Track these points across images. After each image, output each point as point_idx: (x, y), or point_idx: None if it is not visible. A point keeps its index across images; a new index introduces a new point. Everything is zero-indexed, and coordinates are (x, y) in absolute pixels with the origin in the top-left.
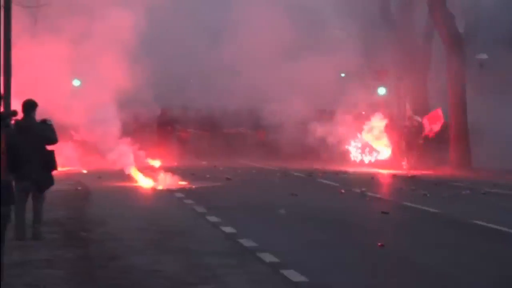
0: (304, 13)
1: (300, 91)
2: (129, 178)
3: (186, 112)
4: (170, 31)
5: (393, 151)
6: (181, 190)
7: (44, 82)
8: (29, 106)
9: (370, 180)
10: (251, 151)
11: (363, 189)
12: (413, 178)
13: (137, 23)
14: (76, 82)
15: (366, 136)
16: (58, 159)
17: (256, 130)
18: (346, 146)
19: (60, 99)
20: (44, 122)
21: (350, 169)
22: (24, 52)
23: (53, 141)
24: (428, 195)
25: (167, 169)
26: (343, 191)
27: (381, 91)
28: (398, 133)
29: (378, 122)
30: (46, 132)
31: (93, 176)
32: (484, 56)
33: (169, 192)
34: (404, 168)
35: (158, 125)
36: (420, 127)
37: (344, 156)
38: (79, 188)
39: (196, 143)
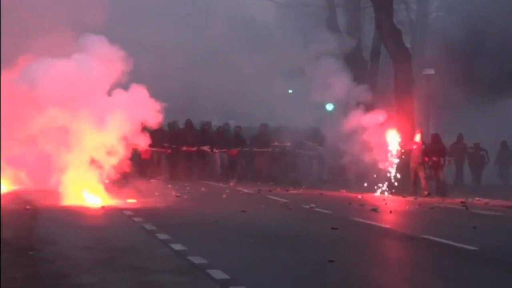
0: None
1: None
2: (77, 197)
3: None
4: None
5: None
6: (130, 208)
7: None
8: None
9: (319, 197)
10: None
11: (312, 205)
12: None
13: None
14: None
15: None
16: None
17: (228, 149)
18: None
19: None
20: None
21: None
22: None
23: None
24: (377, 210)
25: (115, 187)
26: (292, 207)
27: (329, 107)
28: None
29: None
30: None
31: (41, 195)
32: (431, 71)
33: (117, 210)
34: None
35: None
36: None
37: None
38: (28, 207)
39: (156, 162)
